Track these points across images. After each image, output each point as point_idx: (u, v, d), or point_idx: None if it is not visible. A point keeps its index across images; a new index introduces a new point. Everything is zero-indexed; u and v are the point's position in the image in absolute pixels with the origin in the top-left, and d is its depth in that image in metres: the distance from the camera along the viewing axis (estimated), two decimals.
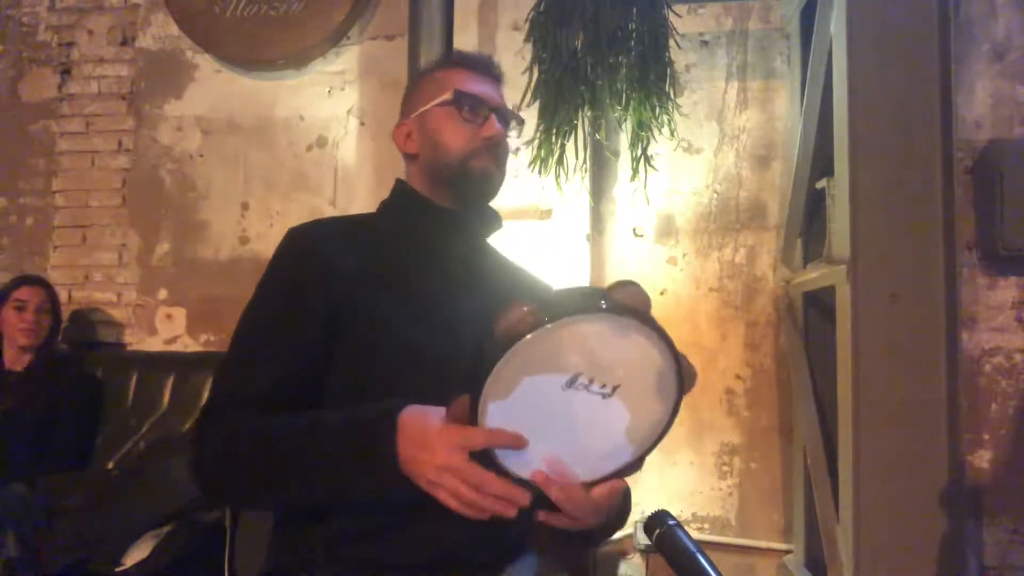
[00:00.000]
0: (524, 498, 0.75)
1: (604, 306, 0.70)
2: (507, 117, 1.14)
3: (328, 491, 0.86)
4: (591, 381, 0.72)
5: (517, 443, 0.74)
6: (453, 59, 1.18)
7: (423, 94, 1.13)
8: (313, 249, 1.01)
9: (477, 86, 1.11)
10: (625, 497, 0.92)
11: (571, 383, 0.72)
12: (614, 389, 0.73)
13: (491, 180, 1.09)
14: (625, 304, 0.71)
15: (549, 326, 0.69)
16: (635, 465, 0.79)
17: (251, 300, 1.00)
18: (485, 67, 1.15)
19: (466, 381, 0.74)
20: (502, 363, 0.70)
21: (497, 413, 0.73)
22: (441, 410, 0.79)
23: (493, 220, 1.17)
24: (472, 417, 0.74)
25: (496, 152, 1.09)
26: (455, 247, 1.10)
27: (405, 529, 0.90)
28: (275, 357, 0.93)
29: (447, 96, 1.09)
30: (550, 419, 0.74)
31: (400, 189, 1.16)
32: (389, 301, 0.97)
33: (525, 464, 0.76)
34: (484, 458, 0.75)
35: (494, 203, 1.18)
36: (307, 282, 0.97)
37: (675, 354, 0.74)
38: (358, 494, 0.85)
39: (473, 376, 0.73)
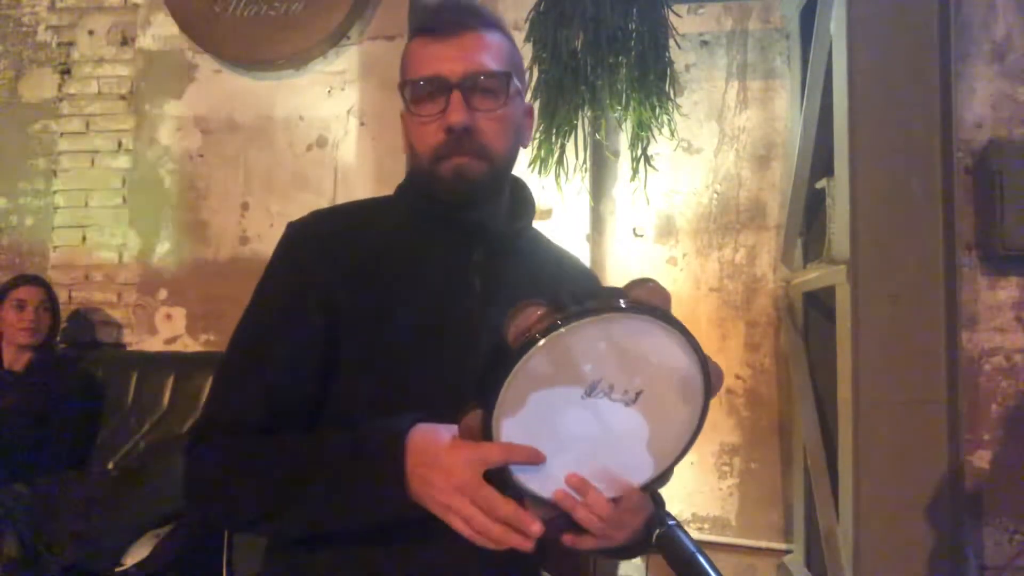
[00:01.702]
0: (535, 527, 0.69)
1: (621, 305, 0.66)
2: (483, 84, 0.88)
3: (330, 519, 0.79)
4: (612, 388, 0.67)
5: (535, 459, 0.69)
6: (414, 24, 0.97)
7: (400, 82, 0.95)
8: (310, 256, 0.90)
9: (432, 62, 0.88)
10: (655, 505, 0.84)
11: (591, 391, 0.67)
12: (637, 395, 0.68)
13: (466, 177, 0.88)
14: (645, 302, 0.66)
15: (563, 329, 0.64)
16: (665, 476, 0.74)
17: (248, 306, 0.92)
18: (440, 24, 0.89)
19: (477, 391, 0.68)
20: (514, 373, 0.65)
21: (512, 428, 0.68)
22: (453, 427, 0.72)
23: (514, 216, 0.99)
24: (485, 432, 0.68)
25: (466, 141, 0.87)
26: (468, 251, 0.93)
27: (411, 550, 0.83)
28: (268, 374, 0.86)
29: (403, 93, 0.91)
30: (570, 432, 0.69)
31: (413, 178, 0.97)
32: (390, 315, 0.88)
33: (547, 481, 0.70)
34: (502, 478, 0.70)
35: None
36: (302, 291, 0.88)
37: (700, 354, 0.69)
38: (364, 522, 0.78)
39: (484, 386, 0.67)
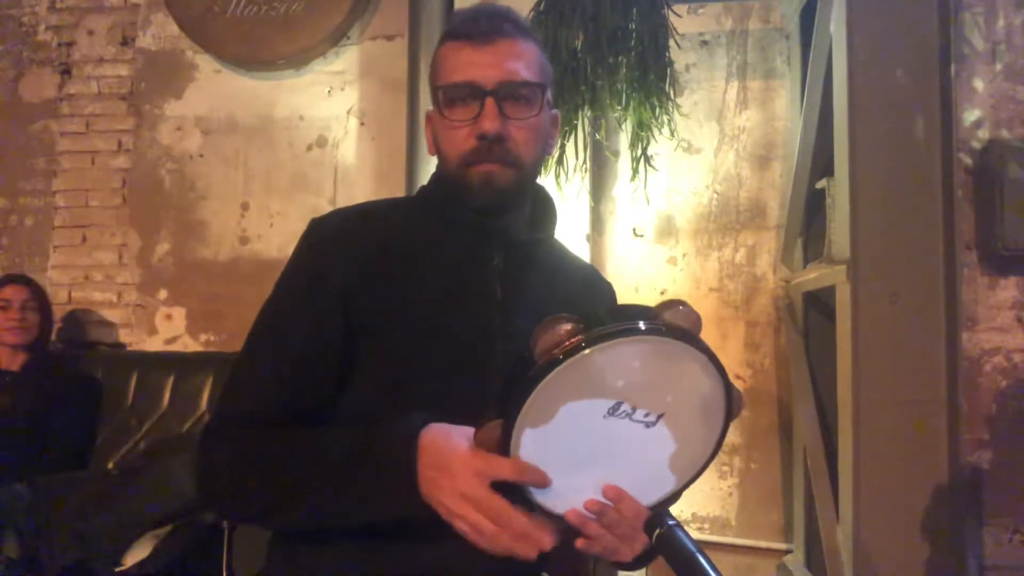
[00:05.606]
0: (547, 541, 0.69)
1: (651, 327, 0.65)
2: (517, 92, 0.89)
3: (340, 514, 0.80)
4: (634, 409, 0.67)
5: (543, 483, 0.69)
6: (448, 28, 0.95)
7: (430, 84, 0.96)
8: (329, 252, 0.91)
9: (467, 68, 0.89)
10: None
11: (613, 411, 0.67)
12: (658, 417, 0.68)
13: (494, 185, 0.89)
14: (675, 325, 0.66)
15: (588, 350, 0.64)
16: (675, 496, 0.75)
17: (267, 300, 0.93)
18: (477, 30, 0.90)
19: (498, 402, 0.68)
20: (538, 389, 0.65)
21: (532, 440, 0.67)
22: (469, 431, 0.72)
23: (535, 224, 1.00)
24: (503, 442, 0.67)
25: (497, 149, 0.88)
26: (488, 256, 0.94)
27: (414, 545, 0.83)
28: (283, 367, 0.87)
29: (435, 96, 0.93)
30: (588, 449, 0.69)
31: (437, 180, 0.99)
32: (406, 313, 0.88)
33: (558, 497, 0.70)
34: (513, 489, 0.70)
35: None
36: (320, 286, 0.88)
37: (725, 380, 0.70)
38: (374, 519, 0.78)
39: (506, 398, 0.67)
